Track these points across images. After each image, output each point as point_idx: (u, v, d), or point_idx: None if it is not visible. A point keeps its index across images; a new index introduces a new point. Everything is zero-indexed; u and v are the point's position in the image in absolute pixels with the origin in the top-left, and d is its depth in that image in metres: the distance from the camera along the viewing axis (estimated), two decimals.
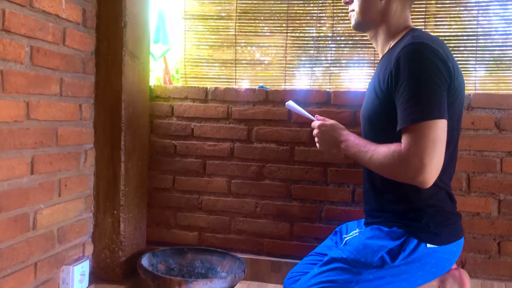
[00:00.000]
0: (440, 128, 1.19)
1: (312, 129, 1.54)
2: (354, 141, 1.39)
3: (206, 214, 2.16)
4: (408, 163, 1.18)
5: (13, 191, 1.46)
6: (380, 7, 1.45)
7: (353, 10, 1.52)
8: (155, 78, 2.68)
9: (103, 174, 1.90)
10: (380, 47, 1.51)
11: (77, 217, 1.81)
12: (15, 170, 1.47)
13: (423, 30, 2.20)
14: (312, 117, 1.58)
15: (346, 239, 1.56)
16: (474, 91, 2.12)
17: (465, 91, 1.42)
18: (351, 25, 1.55)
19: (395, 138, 1.25)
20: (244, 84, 2.42)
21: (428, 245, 1.29)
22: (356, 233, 1.53)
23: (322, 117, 1.56)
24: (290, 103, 1.63)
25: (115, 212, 1.90)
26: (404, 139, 1.21)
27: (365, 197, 1.55)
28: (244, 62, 2.42)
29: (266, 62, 2.43)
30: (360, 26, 1.52)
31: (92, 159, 1.89)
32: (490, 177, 1.87)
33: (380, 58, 1.52)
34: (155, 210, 2.20)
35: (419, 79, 1.21)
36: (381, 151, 1.26)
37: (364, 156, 1.32)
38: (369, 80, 1.68)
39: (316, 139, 1.53)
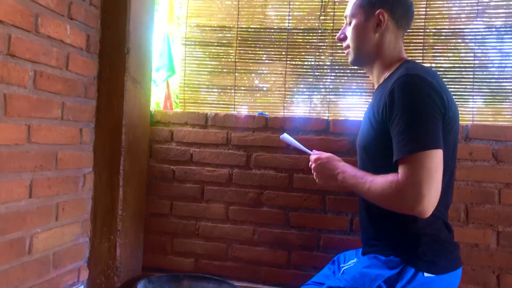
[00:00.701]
0: (436, 158, 1.20)
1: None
2: (351, 172, 1.40)
3: (203, 240, 2.14)
4: (406, 194, 1.19)
5: (10, 215, 1.45)
6: (374, 40, 1.47)
7: (348, 47, 1.55)
8: (154, 102, 2.70)
9: (101, 199, 1.90)
10: (376, 78, 1.54)
11: (73, 241, 1.80)
12: (14, 193, 1.46)
13: (421, 61, 2.25)
14: (307, 150, 1.61)
15: (343, 268, 1.55)
16: (471, 122, 2.14)
17: (463, 122, 1.44)
18: (349, 61, 1.58)
19: (392, 168, 1.26)
20: (243, 110, 2.44)
21: (426, 274, 1.28)
22: (353, 262, 1.52)
23: (318, 151, 1.58)
24: (285, 136, 1.66)
25: (112, 237, 1.88)
26: (401, 169, 1.22)
27: (362, 225, 1.55)
28: (243, 88, 2.45)
29: (265, 88, 2.46)
30: (358, 61, 1.55)
31: (90, 183, 1.89)
32: (488, 208, 1.87)
33: (375, 89, 1.55)
34: (151, 236, 2.18)
35: (414, 109, 1.23)
36: (378, 182, 1.27)
37: (362, 187, 1.33)
38: (366, 108, 1.71)
39: (313, 172, 1.55)
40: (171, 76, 2.68)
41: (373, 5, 1.46)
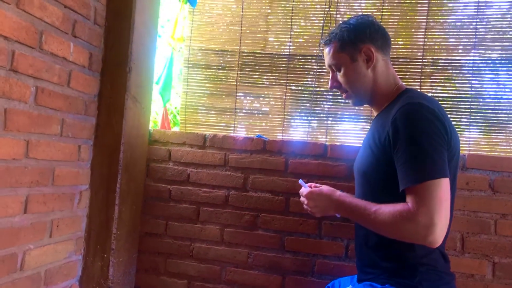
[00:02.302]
0: (444, 186, 1.20)
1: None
2: (350, 203, 1.38)
3: (197, 262, 2.12)
4: (419, 223, 1.17)
5: (4, 230, 1.44)
6: (370, 76, 1.48)
7: (345, 92, 1.55)
8: (152, 121, 2.71)
9: (96, 217, 1.88)
10: (376, 108, 1.54)
11: (66, 259, 1.78)
12: (8, 209, 1.45)
13: (419, 90, 2.28)
14: None
15: None
16: (467, 152, 2.16)
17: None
18: (352, 103, 1.58)
19: (394, 196, 1.26)
20: (242, 133, 2.45)
21: None
22: None
23: (312, 184, 1.61)
24: (302, 182, 1.65)
25: (105, 255, 1.86)
26: (411, 198, 1.21)
27: (358, 252, 1.54)
28: (243, 111, 2.46)
29: (265, 112, 2.48)
30: (360, 101, 1.56)
31: (86, 200, 1.87)
32: (484, 238, 1.86)
33: (375, 116, 1.56)
34: (145, 256, 2.16)
35: (420, 138, 1.23)
36: (386, 212, 1.25)
37: (365, 217, 1.31)
38: (365, 135, 1.72)
39: (306, 207, 1.53)
40: (166, 102, 2.70)
41: (354, 45, 1.47)
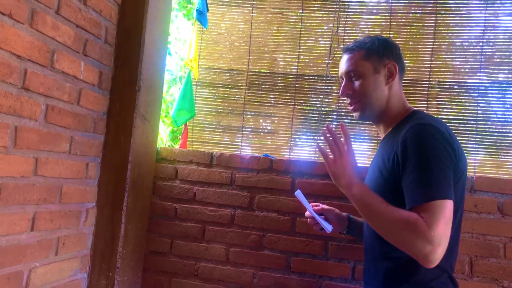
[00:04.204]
0: (450, 208, 1.20)
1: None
2: (368, 188, 1.32)
3: (202, 282, 2.10)
4: (429, 239, 1.14)
5: (10, 248, 1.43)
6: (385, 93, 1.48)
7: (355, 103, 1.49)
8: (159, 138, 2.71)
9: (101, 234, 1.88)
10: (383, 128, 1.54)
11: (71, 277, 1.77)
12: (16, 226, 1.45)
13: (425, 111, 2.28)
14: (314, 214, 1.59)
15: None
16: (473, 174, 2.14)
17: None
18: (356, 116, 1.51)
19: None
20: (249, 151, 2.45)
21: None
22: None
23: (325, 207, 1.61)
24: (299, 193, 1.62)
25: (110, 274, 1.85)
26: (424, 214, 1.18)
27: (366, 275, 1.52)
28: (250, 130, 2.47)
29: (272, 131, 2.48)
30: (368, 116, 1.51)
31: (93, 218, 1.87)
32: (493, 262, 1.84)
33: (382, 138, 1.55)
34: (149, 274, 2.14)
35: (428, 158, 1.23)
36: (403, 213, 1.20)
37: (378, 207, 1.26)
38: (371, 155, 1.71)
39: (329, 161, 1.39)
40: (192, 117, 2.69)
41: (380, 57, 1.47)
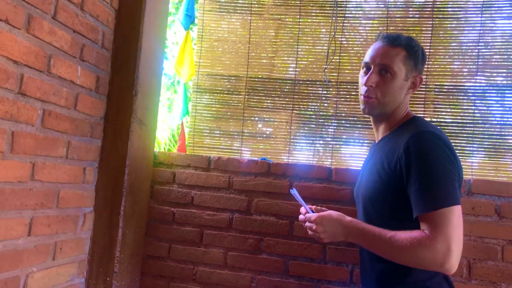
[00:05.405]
0: (458, 213, 1.22)
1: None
2: (363, 228, 1.35)
3: (200, 286, 2.10)
4: (437, 250, 1.18)
5: (7, 253, 1.43)
6: (401, 98, 1.48)
7: (374, 98, 1.46)
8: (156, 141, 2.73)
9: (99, 239, 1.88)
10: (382, 130, 1.54)
11: (69, 282, 1.76)
12: (12, 231, 1.45)
13: (423, 115, 2.29)
14: (309, 210, 1.56)
15: None
16: (471, 177, 2.14)
17: (464, 176, 1.45)
18: (364, 109, 1.49)
19: (402, 222, 1.26)
20: (248, 156, 2.46)
21: None
22: None
23: (318, 208, 1.58)
24: (294, 191, 1.62)
25: (108, 279, 1.85)
26: (427, 226, 1.22)
27: (363, 279, 1.53)
28: (249, 134, 2.48)
29: (270, 135, 2.49)
30: (378, 113, 1.50)
31: (90, 223, 1.87)
32: (491, 265, 1.84)
33: (378, 140, 1.56)
34: (147, 279, 2.14)
35: (434, 166, 1.25)
36: (403, 239, 1.23)
37: (380, 243, 1.29)
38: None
39: (313, 233, 1.45)
40: (185, 116, 2.72)
41: (414, 68, 1.47)
